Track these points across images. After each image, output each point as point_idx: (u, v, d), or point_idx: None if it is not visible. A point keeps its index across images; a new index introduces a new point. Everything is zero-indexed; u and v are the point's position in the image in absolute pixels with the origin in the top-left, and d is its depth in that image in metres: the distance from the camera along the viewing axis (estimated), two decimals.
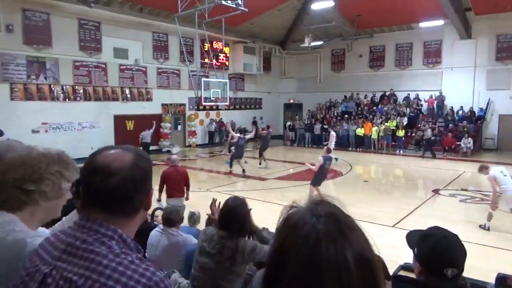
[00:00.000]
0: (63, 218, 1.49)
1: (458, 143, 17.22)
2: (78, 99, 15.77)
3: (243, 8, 14.10)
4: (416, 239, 1.66)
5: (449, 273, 1.50)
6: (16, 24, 13.76)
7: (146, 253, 3.57)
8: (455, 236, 1.59)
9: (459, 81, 19.44)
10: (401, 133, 18.43)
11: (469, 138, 16.96)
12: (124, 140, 16.25)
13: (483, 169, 7.37)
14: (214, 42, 19.31)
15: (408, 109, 20.41)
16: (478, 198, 9.57)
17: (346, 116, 21.24)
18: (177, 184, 7.08)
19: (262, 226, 3.77)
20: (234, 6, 13.97)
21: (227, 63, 21.45)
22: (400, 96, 21.51)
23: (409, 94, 21.16)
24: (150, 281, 0.90)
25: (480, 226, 7.38)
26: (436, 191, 10.78)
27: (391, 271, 3.13)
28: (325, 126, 20.63)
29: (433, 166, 14.93)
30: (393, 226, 7.58)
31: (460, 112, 19.17)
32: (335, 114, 22.45)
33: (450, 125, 18.31)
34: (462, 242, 1.60)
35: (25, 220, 1.27)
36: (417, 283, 1.62)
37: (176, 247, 3.51)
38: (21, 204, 1.27)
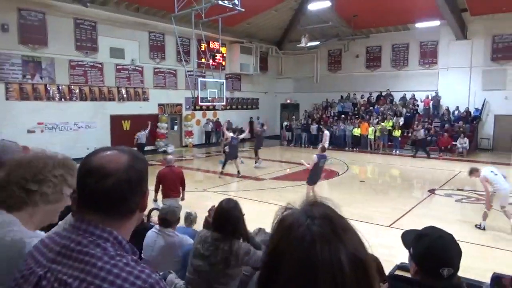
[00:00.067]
0: (60, 222, 1.49)
1: (454, 143, 17.28)
2: (74, 99, 15.70)
3: (239, 8, 14.10)
4: (411, 239, 1.66)
5: (445, 272, 1.51)
6: (12, 24, 13.68)
7: (142, 254, 3.56)
8: (450, 235, 1.60)
9: (455, 81, 19.53)
10: (397, 133, 18.49)
11: (465, 138, 17.03)
12: (121, 140, 16.22)
13: (473, 172, 7.39)
14: (210, 42, 19.28)
15: (404, 109, 20.48)
16: (474, 198, 9.62)
17: (343, 116, 21.28)
18: (173, 184, 7.07)
19: (258, 226, 3.77)
20: (231, 6, 13.97)
21: (223, 63, 21.43)
22: (397, 96, 21.57)
23: (405, 94, 21.23)
24: (146, 283, 0.89)
25: (475, 225, 7.42)
26: (432, 191, 10.82)
27: (387, 271, 3.13)
28: (321, 126, 20.68)
29: (429, 166, 14.99)
30: (389, 226, 7.60)
31: (456, 112, 19.25)
32: (332, 114, 22.49)
33: (446, 125, 18.39)
34: (458, 241, 1.60)
35: (24, 221, 1.28)
36: (413, 282, 1.63)
37: (172, 248, 3.50)
38: (21, 204, 1.28)
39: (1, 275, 1.11)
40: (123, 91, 17.45)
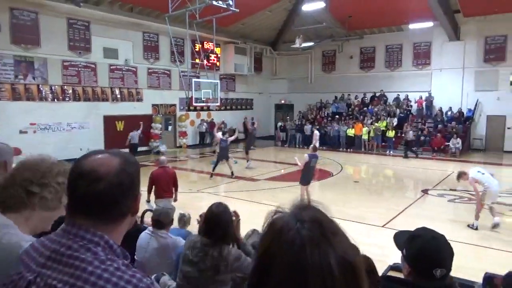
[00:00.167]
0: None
1: (447, 143, 17.41)
2: (67, 99, 15.59)
3: (234, 9, 14.10)
4: (404, 240, 1.67)
5: (438, 273, 1.52)
6: (4, 24, 13.55)
7: (135, 256, 3.54)
8: (443, 236, 1.61)
9: (448, 82, 19.68)
10: (391, 133, 18.58)
11: (458, 139, 17.16)
12: (114, 141, 16.13)
13: (461, 175, 7.48)
14: (205, 42, 19.26)
15: (398, 110, 20.59)
16: (466, 198, 9.69)
17: (337, 116, 21.35)
18: (166, 185, 7.07)
19: (252, 227, 3.76)
20: (225, 6, 13.97)
21: (218, 63, 21.41)
22: (390, 97, 21.69)
23: (398, 95, 21.36)
24: (137, 287, 0.89)
25: (468, 225, 7.48)
26: (425, 191, 10.90)
27: (380, 271, 3.14)
28: (311, 126, 20.75)
29: (422, 167, 15.09)
30: (383, 226, 7.64)
31: (449, 112, 19.41)
32: (326, 114, 22.55)
33: (439, 125, 18.52)
34: (451, 241, 1.62)
35: (19, 224, 1.29)
36: (406, 283, 1.64)
37: (165, 250, 3.48)
38: (19, 205, 1.30)
39: None
40: (117, 91, 17.36)
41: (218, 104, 18.26)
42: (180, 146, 20.25)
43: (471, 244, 6.61)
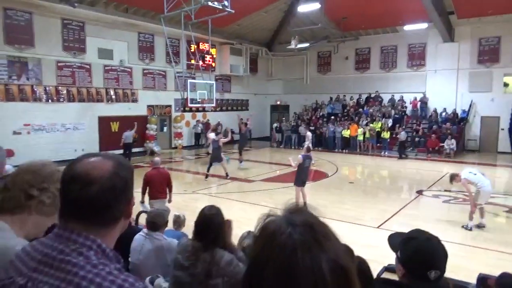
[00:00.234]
0: None
1: (441, 144, 17.50)
2: (62, 100, 15.50)
3: (229, 10, 14.08)
4: (398, 242, 1.67)
5: (432, 275, 1.52)
6: None
7: (129, 258, 3.52)
8: (437, 238, 1.62)
9: (442, 83, 19.80)
10: (386, 135, 18.66)
11: (452, 140, 17.26)
12: (109, 141, 16.08)
13: (454, 177, 7.51)
14: (200, 43, 19.25)
15: (393, 111, 20.68)
16: (461, 199, 9.73)
17: (332, 117, 21.40)
18: (160, 186, 7.06)
19: (247, 229, 3.75)
20: (221, 7, 13.94)
21: (213, 64, 21.40)
22: (385, 98, 21.78)
23: (393, 96, 21.45)
24: None
25: (462, 226, 7.52)
26: (420, 192, 10.95)
27: (375, 272, 3.15)
28: (304, 127, 20.78)
29: (417, 167, 15.16)
30: (378, 227, 7.66)
31: (444, 113, 19.51)
32: (321, 115, 22.59)
33: (434, 126, 18.62)
34: (445, 242, 1.62)
35: (15, 227, 1.30)
36: (401, 285, 1.64)
37: (160, 252, 3.47)
38: (17, 208, 1.31)
39: None
40: (112, 92, 17.29)
41: (214, 105, 18.23)
42: (176, 147, 20.20)
43: (465, 245, 6.65)
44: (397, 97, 21.35)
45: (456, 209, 9.16)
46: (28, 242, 1.35)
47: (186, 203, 8.77)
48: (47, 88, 15.01)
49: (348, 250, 2.32)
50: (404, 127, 18.93)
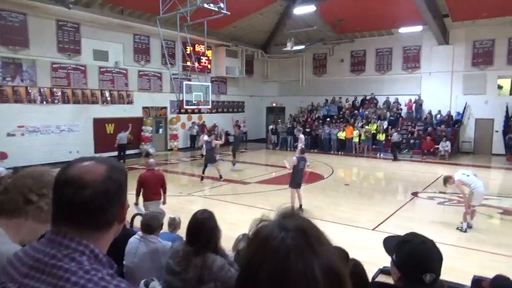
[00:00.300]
0: None
1: (436, 146, 17.59)
2: (56, 101, 15.41)
3: (225, 12, 14.08)
4: (393, 245, 1.67)
5: (428, 278, 1.52)
6: None
7: (124, 261, 3.50)
8: (431, 241, 1.62)
9: (437, 85, 19.91)
10: (381, 137, 18.73)
11: (447, 142, 17.35)
12: (104, 143, 16.00)
13: (447, 179, 7.57)
14: (196, 45, 19.24)
15: (388, 113, 20.77)
16: (455, 201, 9.77)
17: (328, 119, 21.45)
18: (154, 187, 7.04)
19: (243, 231, 3.75)
20: (217, 9, 13.94)
21: (209, 66, 21.37)
22: (381, 100, 21.88)
23: (388, 98, 21.55)
24: None
25: (457, 228, 7.55)
26: (415, 194, 10.99)
27: (370, 274, 3.15)
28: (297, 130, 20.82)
29: (412, 169, 15.22)
30: (373, 229, 7.67)
31: (438, 116, 19.62)
32: (317, 117, 22.63)
33: (429, 128, 18.71)
34: (440, 244, 1.63)
35: (11, 231, 1.31)
36: None
37: (155, 254, 3.45)
38: (14, 212, 1.32)
39: None
40: (107, 94, 17.23)
41: (210, 107, 18.21)
42: (171, 149, 20.15)
43: (459, 247, 6.67)
44: (392, 99, 21.45)
45: (450, 211, 9.20)
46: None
47: (181, 205, 8.74)
48: (41, 90, 14.93)
49: (342, 253, 2.32)
50: (398, 128, 19.01)
